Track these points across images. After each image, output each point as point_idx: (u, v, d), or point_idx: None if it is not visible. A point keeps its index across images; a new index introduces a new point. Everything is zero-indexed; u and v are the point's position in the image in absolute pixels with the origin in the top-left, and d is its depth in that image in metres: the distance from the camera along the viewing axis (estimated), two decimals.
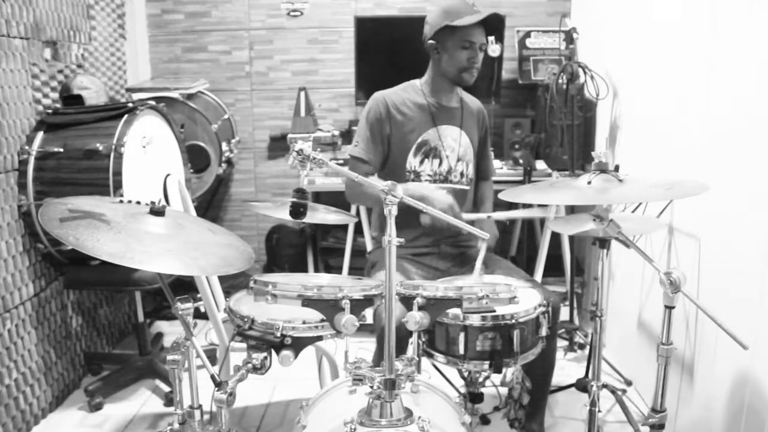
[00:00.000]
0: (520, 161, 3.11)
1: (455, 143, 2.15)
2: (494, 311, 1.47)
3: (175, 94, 3.13)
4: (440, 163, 2.13)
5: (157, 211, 1.36)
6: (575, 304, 2.97)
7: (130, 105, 2.37)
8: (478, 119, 2.26)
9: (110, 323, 2.93)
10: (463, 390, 1.99)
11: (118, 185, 2.21)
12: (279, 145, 3.70)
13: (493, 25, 2.06)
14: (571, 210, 3.08)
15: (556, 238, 3.12)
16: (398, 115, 2.09)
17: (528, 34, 3.37)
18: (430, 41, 2.07)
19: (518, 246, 3.57)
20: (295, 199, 1.53)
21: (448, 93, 2.15)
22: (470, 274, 2.00)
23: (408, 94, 2.14)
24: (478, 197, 2.30)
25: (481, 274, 1.91)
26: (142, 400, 2.47)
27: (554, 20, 3.33)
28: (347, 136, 3.38)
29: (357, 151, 2.09)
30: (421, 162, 2.12)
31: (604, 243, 1.76)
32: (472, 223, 2.08)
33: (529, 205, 1.99)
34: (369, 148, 2.09)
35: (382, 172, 2.12)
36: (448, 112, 2.16)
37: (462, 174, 2.17)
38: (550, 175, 3.04)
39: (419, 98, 2.13)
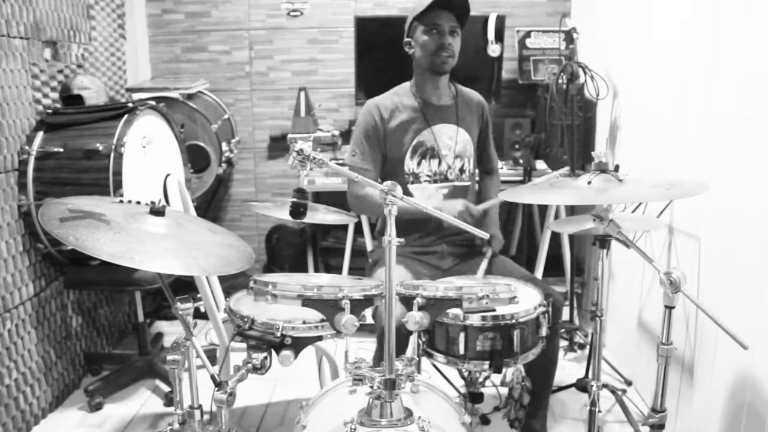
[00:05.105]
0: (520, 161, 3.11)
1: (451, 141, 2.15)
2: (494, 311, 1.47)
3: (175, 94, 3.13)
4: (439, 163, 2.13)
5: (157, 211, 1.36)
6: (575, 304, 2.97)
7: (130, 105, 2.36)
8: (477, 113, 2.25)
9: (110, 323, 2.93)
10: (463, 390, 1.99)
11: (118, 185, 2.21)
12: (279, 145, 3.70)
13: (458, 8, 2.05)
14: (572, 210, 3.09)
15: (556, 237, 3.12)
16: (391, 120, 2.10)
17: (528, 34, 3.37)
18: (405, 39, 2.13)
19: (518, 246, 3.56)
20: (295, 199, 1.53)
21: (437, 89, 2.14)
22: (473, 274, 2.01)
23: (399, 97, 2.14)
24: (482, 193, 2.30)
25: (484, 276, 1.93)
26: (142, 400, 2.47)
27: (554, 20, 3.33)
28: (347, 136, 3.38)
29: (356, 161, 2.10)
30: (419, 164, 2.12)
31: (604, 243, 1.76)
32: (484, 216, 2.10)
33: None
34: (367, 157, 2.10)
35: (381, 178, 2.12)
36: (441, 111, 2.15)
37: (462, 170, 2.17)
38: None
39: (410, 100, 2.13)
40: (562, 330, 2.80)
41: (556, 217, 3.03)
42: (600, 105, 2.88)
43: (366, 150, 2.09)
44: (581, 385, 2.23)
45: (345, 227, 3.26)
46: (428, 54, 2.05)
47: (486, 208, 2.08)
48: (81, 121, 2.31)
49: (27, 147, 2.24)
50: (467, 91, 2.25)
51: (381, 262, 2.07)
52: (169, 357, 1.39)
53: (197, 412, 1.41)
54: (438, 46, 2.03)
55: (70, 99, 2.50)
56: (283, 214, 1.61)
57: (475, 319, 1.56)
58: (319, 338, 1.50)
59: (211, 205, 3.69)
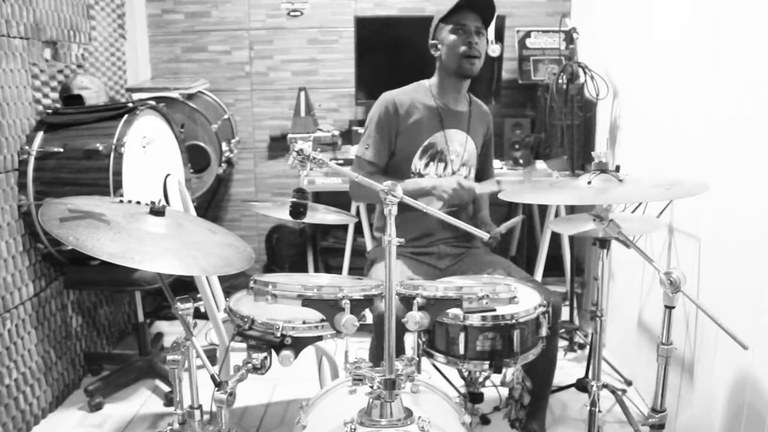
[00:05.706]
0: (520, 161, 3.11)
1: (461, 148, 2.16)
2: (494, 311, 1.47)
3: (175, 94, 3.13)
4: (445, 167, 2.13)
5: (157, 211, 1.36)
6: (575, 304, 2.97)
7: (130, 105, 2.36)
8: (484, 126, 2.26)
9: (110, 323, 2.93)
10: (463, 390, 1.99)
11: (118, 185, 2.21)
12: (279, 145, 3.70)
13: (484, 9, 2.05)
14: (572, 210, 3.09)
15: (556, 238, 3.12)
16: (407, 116, 2.09)
17: (528, 34, 3.37)
18: (431, 42, 2.11)
19: (518, 246, 3.56)
20: (295, 199, 1.53)
21: (456, 94, 2.15)
22: (468, 275, 2.00)
23: (417, 94, 2.13)
24: (477, 201, 2.30)
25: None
26: (142, 400, 2.47)
27: (554, 20, 3.33)
28: (347, 136, 3.38)
29: (368, 155, 2.09)
30: (426, 165, 2.12)
31: (604, 243, 1.76)
32: (474, 195, 2.09)
33: None
34: (379, 151, 2.09)
35: (385, 174, 2.12)
36: (457, 116, 2.15)
37: (465, 178, 2.17)
38: (550, 175, 3.04)
39: (428, 100, 2.12)
40: (562, 330, 2.80)
41: (556, 216, 3.04)
42: (600, 105, 2.88)
43: (377, 142, 2.08)
44: (581, 385, 2.23)
45: (345, 227, 3.26)
46: (455, 55, 2.04)
47: (479, 190, 2.03)
48: (81, 121, 2.31)
49: (27, 147, 2.24)
50: (480, 103, 2.27)
51: (379, 260, 2.07)
52: (169, 357, 1.39)
53: (197, 412, 1.41)
54: (467, 45, 2.02)
55: (70, 99, 2.50)
56: (283, 214, 1.61)
57: (475, 319, 1.56)
58: (319, 338, 1.50)
59: (211, 205, 3.69)
